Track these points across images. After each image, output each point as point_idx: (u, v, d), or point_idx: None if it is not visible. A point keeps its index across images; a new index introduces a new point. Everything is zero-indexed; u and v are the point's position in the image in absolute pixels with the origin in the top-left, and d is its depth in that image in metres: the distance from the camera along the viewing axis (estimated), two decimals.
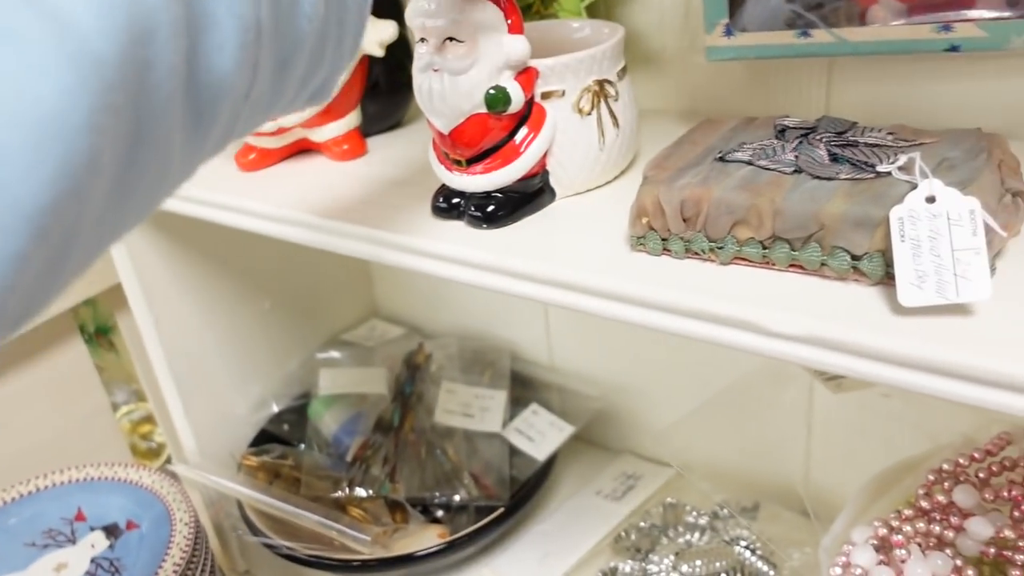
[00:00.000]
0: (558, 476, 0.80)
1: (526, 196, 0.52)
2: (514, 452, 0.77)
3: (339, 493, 0.73)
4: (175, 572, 0.68)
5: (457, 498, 0.73)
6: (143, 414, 1.18)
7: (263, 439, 0.84)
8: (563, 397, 0.82)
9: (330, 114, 0.64)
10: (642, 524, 0.72)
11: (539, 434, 0.78)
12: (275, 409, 0.86)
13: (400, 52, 0.67)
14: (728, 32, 0.55)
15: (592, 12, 0.63)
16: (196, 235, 0.77)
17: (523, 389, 0.83)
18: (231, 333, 0.83)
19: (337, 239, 0.56)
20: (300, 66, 0.34)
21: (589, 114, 0.51)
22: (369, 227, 0.54)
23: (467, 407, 0.80)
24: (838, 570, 0.48)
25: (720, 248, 0.43)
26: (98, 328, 1.14)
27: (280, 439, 0.84)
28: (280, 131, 0.64)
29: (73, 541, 0.76)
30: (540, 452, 0.76)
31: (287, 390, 0.88)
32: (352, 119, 0.65)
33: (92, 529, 0.77)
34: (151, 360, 0.78)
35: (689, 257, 0.45)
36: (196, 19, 0.27)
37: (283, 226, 0.59)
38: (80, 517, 0.79)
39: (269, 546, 0.73)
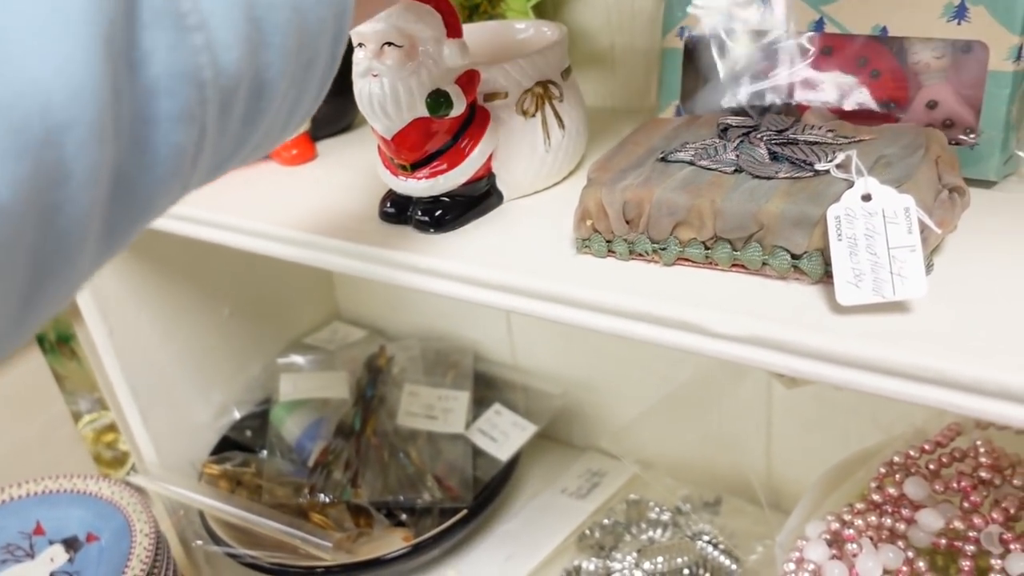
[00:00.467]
0: (523, 475, 0.80)
1: (473, 200, 0.51)
2: (477, 453, 0.77)
3: (301, 499, 0.73)
4: None
5: (421, 501, 0.73)
6: (106, 422, 1.16)
7: (225, 446, 0.83)
8: (526, 396, 0.82)
9: None
10: (605, 521, 0.72)
11: (502, 434, 0.78)
12: (237, 415, 0.86)
13: (348, 55, 0.66)
14: (679, 113, 0.56)
15: (539, 12, 0.63)
16: (148, 244, 0.76)
17: (486, 389, 0.83)
18: (190, 341, 0.82)
19: (288, 247, 0.55)
20: (246, 152, 0.33)
21: (533, 116, 0.51)
22: (319, 235, 0.53)
23: (430, 409, 0.79)
24: (792, 566, 0.48)
25: (663, 249, 0.43)
26: (59, 336, 1.12)
27: (242, 446, 0.83)
28: None
29: (32, 556, 0.75)
30: (503, 452, 0.76)
31: (249, 396, 0.87)
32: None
33: (51, 543, 0.76)
34: (107, 371, 0.77)
35: (633, 259, 0.45)
36: (127, 149, 0.25)
37: (234, 235, 0.58)
38: (39, 531, 0.78)
39: (233, 555, 0.72)
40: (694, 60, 0.56)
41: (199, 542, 0.73)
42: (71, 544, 0.76)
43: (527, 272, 0.45)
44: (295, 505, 0.74)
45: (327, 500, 0.73)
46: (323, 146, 0.66)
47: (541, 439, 0.81)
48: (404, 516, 0.75)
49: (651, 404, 0.77)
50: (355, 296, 0.96)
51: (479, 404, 0.81)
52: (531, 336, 0.83)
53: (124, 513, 0.76)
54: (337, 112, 0.68)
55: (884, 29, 0.49)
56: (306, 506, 0.73)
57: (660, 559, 0.65)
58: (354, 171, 0.61)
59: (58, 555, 0.75)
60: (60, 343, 1.12)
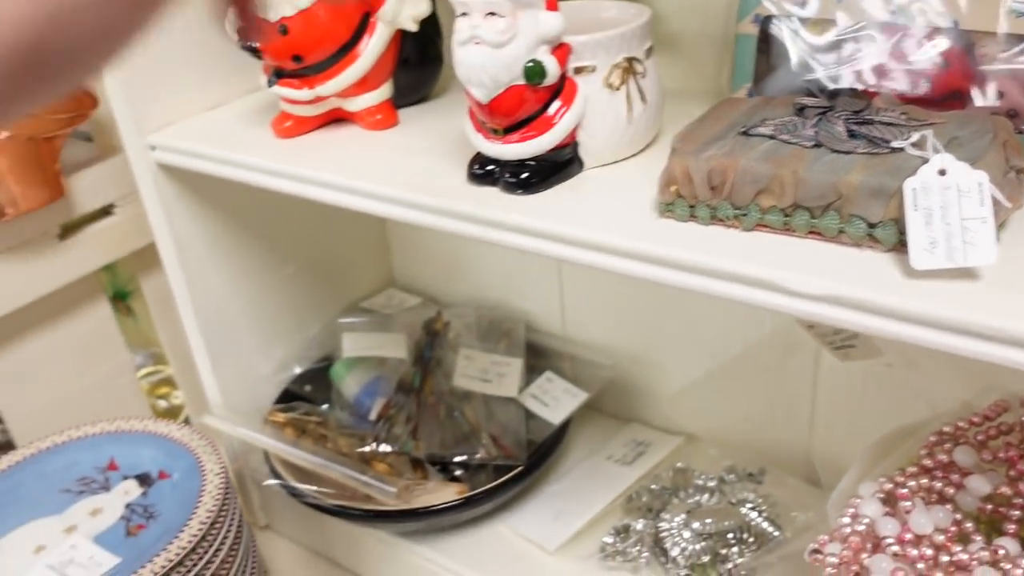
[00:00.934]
0: (570, 442, 0.83)
1: (557, 165, 0.55)
2: (529, 416, 0.81)
3: (366, 448, 0.77)
4: (208, 518, 0.72)
5: (476, 457, 0.77)
6: (162, 376, 1.21)
7: (286, 399, 0.87)
8: (576, 365, 0.85)
9: (365, 85, 0.67)
10: (653, 487, 0.76)
11: (554, 400, 0.81)
12: (297, 371, 0.89)
13: (430, 28, 0.70)
14: (750, 95, 0.59)
15: None
16: (228, 199, 0.79)
17: (537, 358, 0.86)
18: (257, 296, 0.85)
19: (375, 202, 0.59)
20: None
21: (618, 89, 0.54)
22: (407, 190, 0.57)
23: (484, 373, 0.83)
24: (847, 520, 0.51)
25: (744, 215, 0.46)
26: (116, 293, 1.17)
27: (303, 399, 0.87)
28: (317, 100, 0.67)
29: (107, 488, 0.80)
30: (555, 416, 0.79)
31: (308, 353, 0.91)
32: (385, 90, 0.68)
33: (125, 478, 0.80)
34: (181, 318, 0.81)
35: (714, 223, 0.48)
36: None
37: (320, 189, 0.62)
38: (113, 466, 0.82)
39: (295, 494, 0.76)
40: (766, 45, 0.59)
41: (271, 480, 0.77)
42: (144, 479, 0.80)
43: (615, 231, 0.48)
44: (358, 454, 0.77)
45: (389, 451, 0.77)
46: (402, 114, 0.70)
47: (586, 409, 0.84)
48: (458, 472, 0.79)
49: (699, 377, 0.80)
50: (410, 264, 0.99)
51: (530, 371, 0.84)
52: (582, 308, 0.87)
53: (194, 453, 0.80)
54: (418, 82, 0.71)
55: (955, 23, 0.52)
56: (369, 455, 0.77)
57: (708, 520, 0.69)
58: (435, 138, 0.64)
59: (132, 489, 0.79)
60: (117, 300, 1.16)
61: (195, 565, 0.71)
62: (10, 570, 0.72)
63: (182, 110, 0.74)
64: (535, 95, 0.52)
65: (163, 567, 0.68)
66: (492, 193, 0.55)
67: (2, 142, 0.81)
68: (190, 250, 0.78)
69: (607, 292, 0.83)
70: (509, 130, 0.54)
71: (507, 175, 0.54)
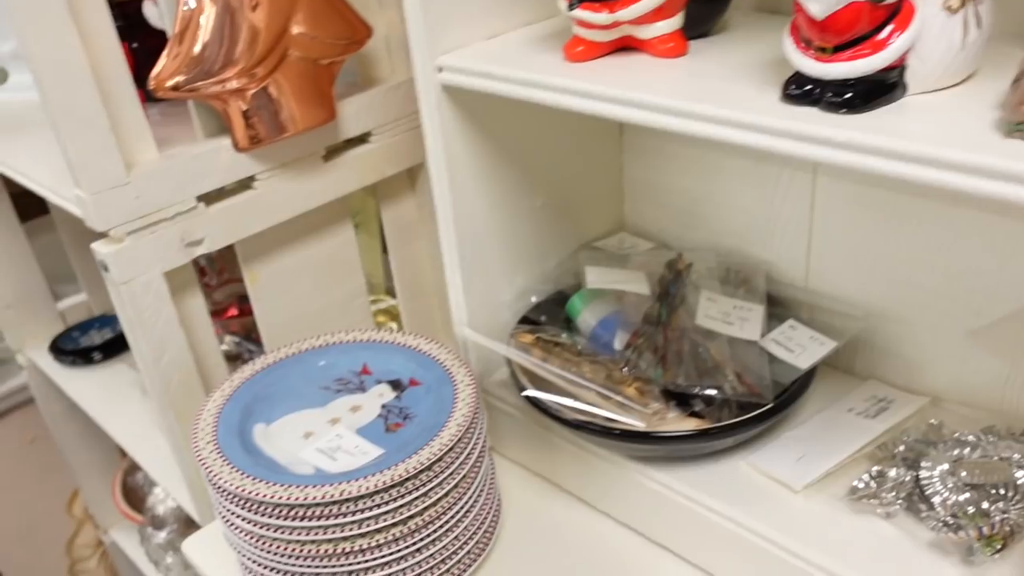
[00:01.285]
0: (809, 391, 0.83)
1: (882, 87, 0.55)
2: (773, 360, 0.81)
3: (615, 372, 0.79)
4: (464, 422, 0.76)
5: (722, 392, 0.78)
6: (381, 307, 1.28)
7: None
8: (821, 316, 0.84)
9: (661, 12, 0.68)
10: (906, 438, 0.74)
11: (798, 346, 0.81)
12: (533, 301, 0.93)
13: None
14: None
15: None
16: (498, 126, 0.83)
17: (777, 308, 0.86)
18: (507, 223, 0.89)
19: (682, 120, 0.60)
20: None
21: (957, 12, 0.54)
22: (721, 107, 0.58)
23: (726, 315, 0.84)
24: None
25: None
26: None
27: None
28: (613, 25, 0.69)
29: (363, 389, 0.85)
30: (801, 361, 0.79)
31: (544, 286, 0.94)
32: (679, 19, 0.69)
33: (378, 382, 0.86)
34: (442, 237, 0.85)
35: None
36: None
37: (620, 107, 0.64)
38: (366, 371, 0.87)
39: (544, 409, 0.79)
40: None
41: (529, 392, 0.80)
42: (395, 385, 0.85)
43: (959, 146, 0.48)
44: (605, 378, 0.80)
45: (638, 377, 0.79)
46: (688, 46, 0.71)
47: (820, 363, 0.83)
48: (697, 408, 0.80)
49: (953, 337, 0.78)
50: (644, 209, 1.01)
51: (770, 320, 0.84)
52: (829, 259, 0.86)
53: (443, 365, 0.84)
54: (706, 14, 0.72)
55: None
56: (617, 379, 0.79)
57: (977, 471, 0.67)
58: (732, 66, 0.65)
59: (386, 392, 0.84)
60: None
61: (450, 465, 0.75)
62: (285, 450, 0.78)
63: (468, 36, 0.77)
64: (873, 13, 0.52)
65: (424, 462, 0.72)
66: (812, 112, 0.55)
67: (289, 64, 0.87)
68: (458, 172, 0.82)
69: (859, 243, 0.82)
70: (838, 49, 0.54)
71: (829, 94, 0.55)
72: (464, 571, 0.80)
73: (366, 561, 0.73)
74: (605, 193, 1.01)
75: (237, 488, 0.72)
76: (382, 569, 0.75)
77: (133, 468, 1.56)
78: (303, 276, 1.02)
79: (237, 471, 0.74)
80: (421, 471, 0.72)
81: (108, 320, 1.50)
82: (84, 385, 1.38)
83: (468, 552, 0.80)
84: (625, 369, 0.80)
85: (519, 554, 0.83)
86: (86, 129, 0.78)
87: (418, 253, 1.14)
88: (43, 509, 1.76)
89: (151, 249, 0.85)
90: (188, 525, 1.42)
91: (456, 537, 0.77)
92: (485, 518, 0.82)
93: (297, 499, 0.70)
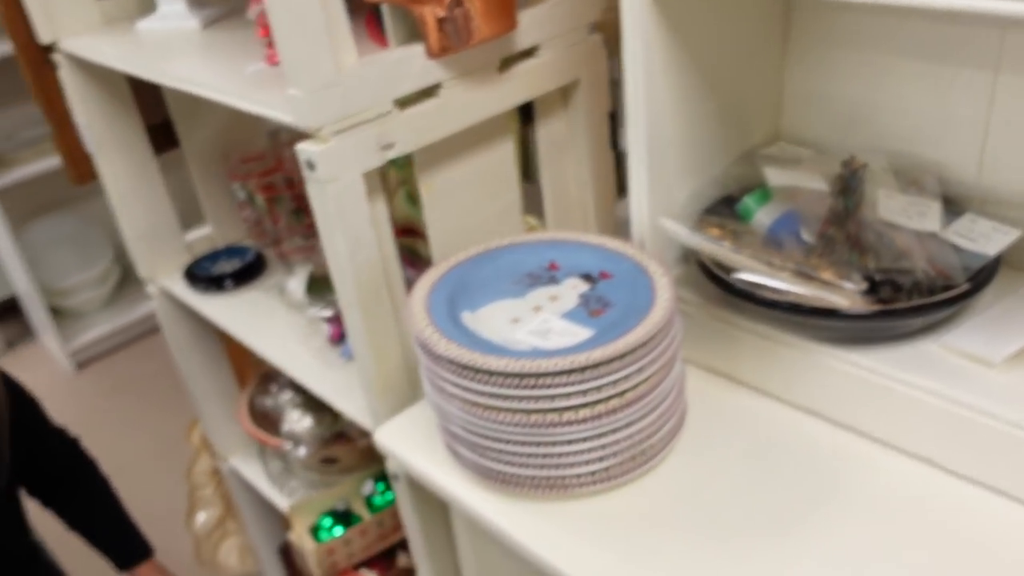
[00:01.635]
0: (993, 282, 0.86)
1: None
2: (957, 251, 0.84)
3: (814, 257, 0.83)
4: (668, 305, 0.80)
5: (915, 274, 0.81)
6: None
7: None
8: (997, 210, 0.87)
9: None
10: None
11: (981, 236, 0.84)
12: (704, 204, 0.96)
13: None
14: None
15: None
16: (684, 22, 0.86)
17: (952, 205, 0.89)
18: (685, 125, 0.92)
19: None
20: None
21: None
22: None
23: (905, 211, 0.87)
24: None
25: None
26: None
27: None
28: None
29: (556, 282, 0.89)
30: (988, 249, 0.82)
31: (711, 191, 0.97)
32: None
33: (569, 276, 0.90)
34: (629, 135, 0.89)
35: None
36: None
37: None
38: (554, 267, 0.92)
39: (741, 294, 0.83)
40: None
41: (739, 273, 0.84)
42: (587, 278, 0.89)
43: None
44: (796, 267, 0.84)
45: (832, 263, 0.82)
46: None
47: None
48: (886, 294, 0.83)
49: None
50: (802, 116, 1.04)
51: (947, 215, 0.88)
52: (1004, 157, 0.89)
53: (632, 259, 0.88)
54: None
55: None
56: (813, 264, 0.83)
57: None
58: None
59: (579, 284, 0.88)
60: None
61: (660, 343, 0.79)
62: (497, 333, 0.82)
63: None
64: None
65: (642, 338, 0.77)
66: None
67: None
68: (651, 74, 0.86)
69: None
70: None
71: None
72: (653, 457, 0.84)
73: (570, 434, 0.78)
74: (766, 102, 1.04)
75: (468, 360, 0.76)
76: (585, 442, 0.79)
77: (258, 395, 1.62)
78: (469, 188, 1.06)
79: (459, 346, 0.78)
80: (638, 347, 0.76)
81: (236, 251, 1.56)
82: (219, 309, 1.44)
83: (661, 437, 0.84)
84: (819, 254, 0.83)
85: (705, 442, 0.87)
86: (304, 29, 0.82)
87: (565, 171, 1.17)
88: (166, 437, 1.84)
89: (352, 150, 0.89)
90: (323, 444, 1.48)
91: (662, 414, 0.82)
92: (678, 403, 0.86)
93: (527, 369, 0.75)
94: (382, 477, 1.39)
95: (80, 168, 1.49)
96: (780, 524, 0.78)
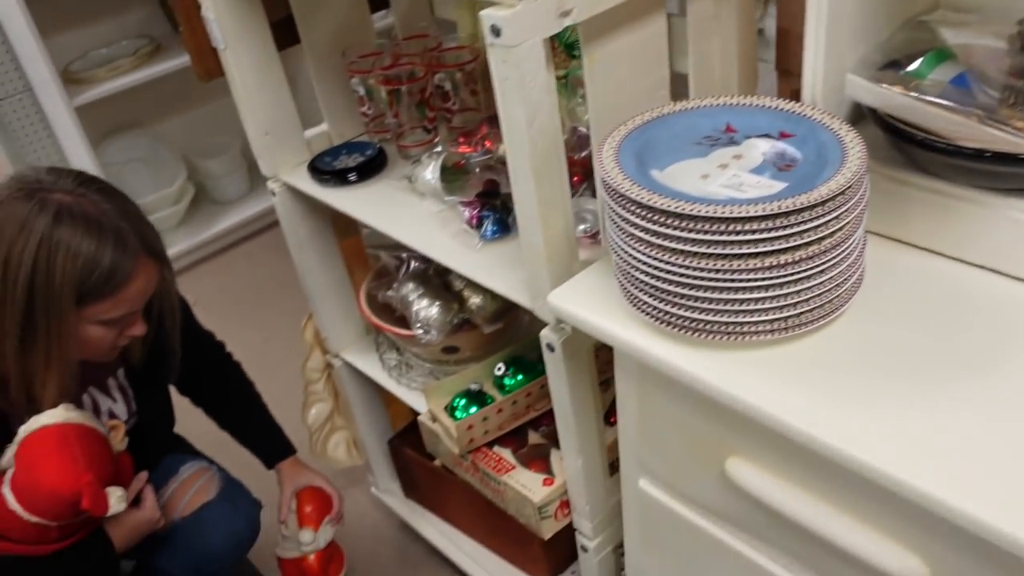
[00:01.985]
0: None
1: None
2: None
3: (1005, 107, 0.84)
4: (861, 156, 0.82)
5: None
6: None
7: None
8: None
9: None
10: None
11: None
12: (871, 71, 0.97)
13: None
14: None
15: None
16: None
17: None
18: None
19: None
20: None
21: None
22: None
23: None
24: None
25: None
26: None
27: None
28: None
29: (735, 143, 0.91)
30: None
31: (878, 58, 0.98)
32: None
33: (747, 137, 0.92)
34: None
35: None
36: None
37: None
38: (730, 129, 0.94)
39: (919, 143, 0.85)
40: None
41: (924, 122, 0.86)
42: (767, 137, 0.91)
43: None
44: (986, 115, 0.85)
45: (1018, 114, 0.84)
46: None
47: None
48: None
49: None
50: None
51: None
52: None
53: (811, 118, 0.90)
54: None
55: None
56: (1004, 114, 0.84)
57: None
58: None
59: (760, 143, 0.90)
60: None
61: (855, 194, 0.81)
62: (691, 187, 0.85)
63: None
64: None
65: (837, 189, 0.79)
66: None
67: None
68: None
69: None
70: None
71: None
72: (840, 307, 0.87)
73: (769, 279, 0.81)
74: None
75: (675, 207, 0.79)
76: (781, 288, 0.82)
77: (376, 289, 1.66)
78: (625, 61, 1.08)
79: (661, 196, 0.81)
80: (839, 194, 0.79)
81: (356, 146, 1.58)
82: (348, 202, 1.47)
83: (849, 287, 0.87)
84: (1010, 104, 0.84)
85: (884, 298, 0.90)
86: None
87: (711, 49, 1.18)
88: (247, 347, 1.91)
89: (534, 16, 0.91)
90: (451, 332, 1.52)
91: (853, 262, 0.84)
92: (863, 255, 0.88)
93: (735, 213, 0.77)
94: (511, 361, 1.44)
95: (207, 64, 1.52)
96: (974, 368, 0.80)
